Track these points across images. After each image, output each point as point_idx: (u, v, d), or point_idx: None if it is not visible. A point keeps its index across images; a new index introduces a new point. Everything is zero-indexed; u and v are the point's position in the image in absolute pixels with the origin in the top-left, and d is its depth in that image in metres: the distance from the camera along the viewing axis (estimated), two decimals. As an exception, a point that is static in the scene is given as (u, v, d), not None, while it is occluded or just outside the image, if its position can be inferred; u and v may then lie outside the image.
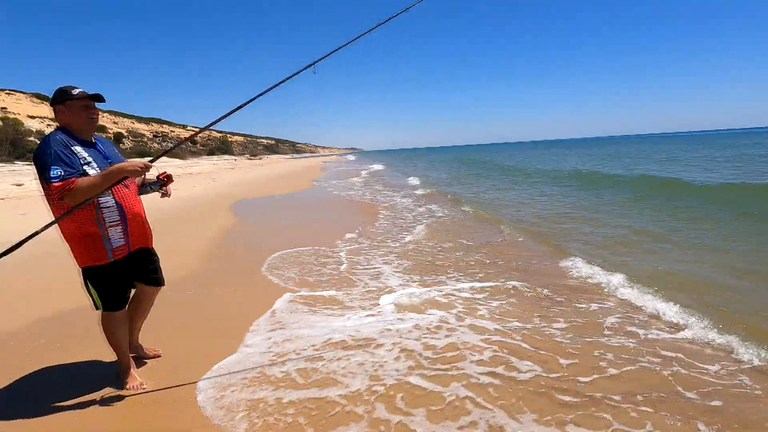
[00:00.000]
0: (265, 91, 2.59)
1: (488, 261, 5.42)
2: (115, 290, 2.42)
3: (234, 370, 2.84)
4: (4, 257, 2.03)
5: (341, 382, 2.66)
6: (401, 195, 13.92)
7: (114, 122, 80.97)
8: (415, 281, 4.64)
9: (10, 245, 2.10)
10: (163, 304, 3.18)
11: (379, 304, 3.95)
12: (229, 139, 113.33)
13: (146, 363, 2.96)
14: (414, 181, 19.87)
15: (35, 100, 71.01)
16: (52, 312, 3.98)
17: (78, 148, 2.22)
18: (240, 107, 2.53)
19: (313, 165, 42.06)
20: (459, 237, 6.90)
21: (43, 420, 2.36)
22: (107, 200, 2.26)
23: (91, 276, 2.37)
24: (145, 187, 2.51)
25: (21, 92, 68.56)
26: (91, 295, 2.43)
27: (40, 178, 2.16)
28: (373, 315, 3.71)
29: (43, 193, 2.21)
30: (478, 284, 4.50)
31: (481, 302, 3.98)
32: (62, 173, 2.09)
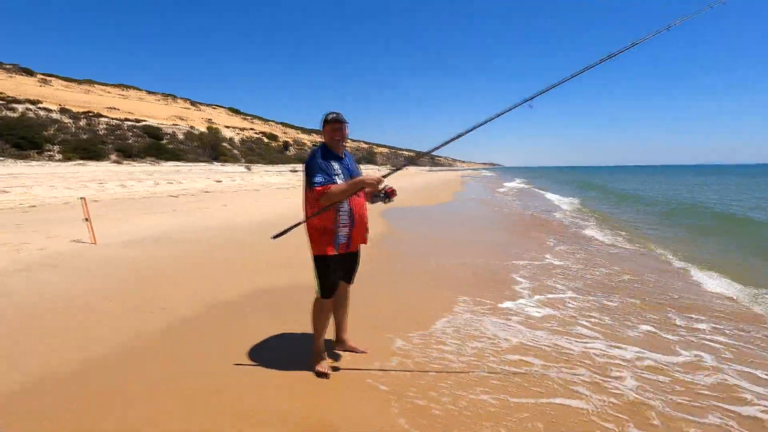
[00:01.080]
0: (483, 123, 2.82)
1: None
2: (330, 280, 2.90)
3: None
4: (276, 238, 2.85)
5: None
6: (553, 214, 12.77)
7: (284, 132, 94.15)
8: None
9: (278, 231, 2.83)
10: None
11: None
12: (375, 150, 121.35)
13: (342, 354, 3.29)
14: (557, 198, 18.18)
15: (230, 113, 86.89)
16: (266, 285, 4.68)
17: (333, 162, 2.82)
18: (459, 136, 2.83)
19: (452, 178, 42.06)
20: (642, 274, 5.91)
21: (233, 370, 2.75)
22: (344, 205, 2.81)
23: (319, 263, 2.88)
24: (374, 198, 2.92)
25: (221, 107, 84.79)
26: (315, 281, 2.92)
27: (306, 181, 2.76)
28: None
29: (304, 193, 2.83)
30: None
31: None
32: (323, 180, 2.71)
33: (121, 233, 7.71)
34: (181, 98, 77.42)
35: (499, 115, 2.83)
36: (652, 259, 6.89)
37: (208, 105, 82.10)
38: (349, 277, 3.14)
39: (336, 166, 2.82)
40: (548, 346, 3.43)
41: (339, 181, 2.76)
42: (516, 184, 37.86)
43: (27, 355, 3.14)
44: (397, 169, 3.20)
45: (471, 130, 2.83)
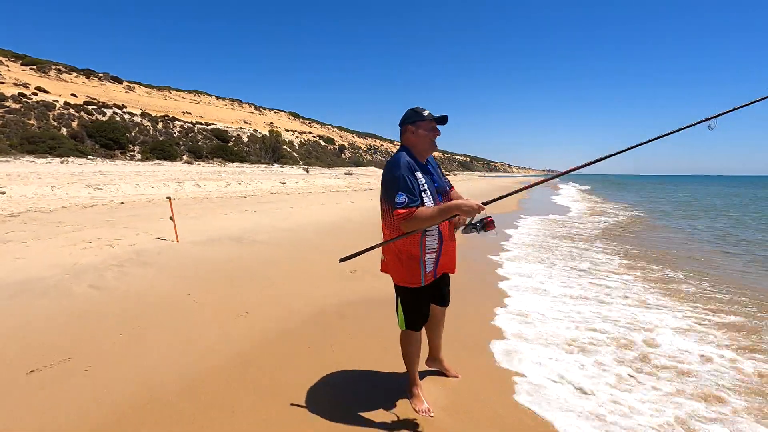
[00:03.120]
0: (658, 137, 2.42)
1: None
2: (418, 312, 2.47)
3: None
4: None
5: None
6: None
7: (340, 135, 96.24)
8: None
9: (353, 252, 2.32)
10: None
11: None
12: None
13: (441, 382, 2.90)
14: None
15: (290, 117, 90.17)
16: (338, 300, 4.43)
17: (419, 174, 2.27)
18: (628, 149, 2.46)
19: (508, 186, 40.36)
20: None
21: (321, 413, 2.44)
22: (432, 229, 2.32)
23: (403, 295, 2.43)
24: (468, 227, 2.32)
25: (282, 111, 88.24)
26: (397, 313, 2.50)
27: (385, 198, 2.26)
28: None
29: (382, 209, 2.32)
30: None
31: None
32: (406, 200, 2.16)
33: (201, 231, 7.91)
34: (247, 103, 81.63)
35: (677, 131, 2.40)
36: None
37: (270, 109, 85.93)
38: (442, 301, 2.68)
39: (422, 179, 2.28)
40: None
41: (427, 201, 2.24)
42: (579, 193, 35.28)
43: (137, 359, 3.09)
44: (503, 197, 2.46)
45: (637, 145, 2.40)
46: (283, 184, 22.23)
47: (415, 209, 2.17)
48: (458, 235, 2.51)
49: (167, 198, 7.82)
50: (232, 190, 17.97)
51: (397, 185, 2.18)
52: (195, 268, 5.48)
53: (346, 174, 44.91)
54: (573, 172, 2.48)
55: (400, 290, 2.44)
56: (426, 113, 2.33)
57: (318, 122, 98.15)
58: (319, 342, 3.42)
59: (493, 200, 2.34)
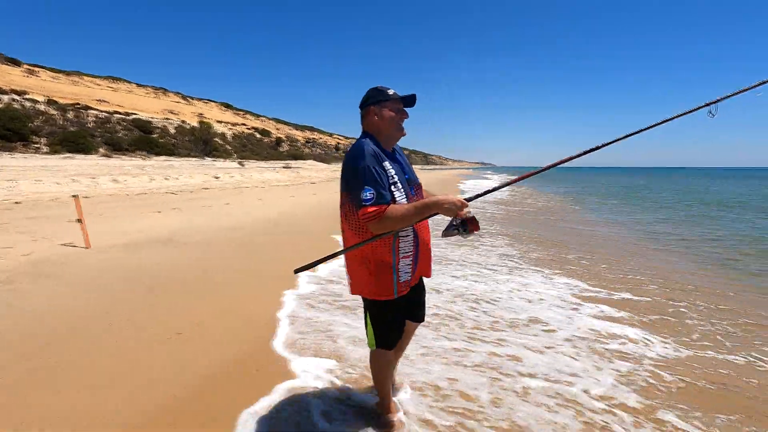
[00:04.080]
0: (649, 127, 2.17)
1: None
2: (390, 329, 2.09)
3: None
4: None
5: None
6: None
7: (276, 128, 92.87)
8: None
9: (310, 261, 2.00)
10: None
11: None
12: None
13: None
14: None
15: (222, 108, 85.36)
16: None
17: (387, 164, 1.91)
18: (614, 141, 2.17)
19: (449, 179, 41.24)
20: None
21: None
22: (407, 229, 1.95)
23: (372, 310, 2.05)
24: (450, 228, 1.96)
25: (213, 101, 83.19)
26: (366, 330, 2.12)
27: (347, 194, 1.91)
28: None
29: (343, 209, 1.96)
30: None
31: None
32: (374, 197, 1.80)
33: (120, 234, 6.81)
34: (173, 92, 75.83)
35: (673, 118, 2.14)
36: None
37: (199, 99, 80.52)
38: (418, 314, 2.27)
39: (391, 169, 1.91)
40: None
41: (398, 195, 1.88)
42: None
43: (30, 419, 2.29)
44: (488, 192, 2.12)
45: (633, 134, 2.13)
46: (217, 178, 20.65)
47: (386, 207, 1.80)
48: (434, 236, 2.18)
49: (73, 196, 6.58)
50: (159, 185, 16.23)
51: (362, 178, 1.80)
52: (112, 279, 4.56)
53: (284, 167, 43.25)
54: (559, 165, 2.14)
55: (368, 304, 2.04)
56: (391, 92, 1.97)
57: (252, 114, 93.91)
58: (268, 368, 2.83)
59: (477, 196, 2.06)
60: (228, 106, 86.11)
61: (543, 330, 3.62)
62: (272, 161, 56.01)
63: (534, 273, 5.53)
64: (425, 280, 2.29)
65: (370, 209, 1.79)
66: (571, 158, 2.18)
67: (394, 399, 2.39)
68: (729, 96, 2.18)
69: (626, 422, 2.37)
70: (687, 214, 13.24)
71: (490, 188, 2.14)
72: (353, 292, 2.05)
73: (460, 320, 3.76)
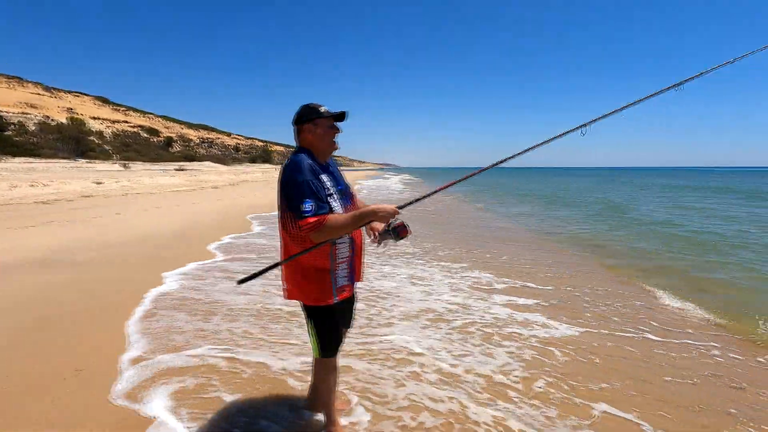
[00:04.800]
0: (538, 145, 2.39)
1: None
2: (333, 335, 2.16)
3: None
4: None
5: None
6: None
7: (166, 127, 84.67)
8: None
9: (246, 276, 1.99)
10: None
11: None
12: (271, 149, 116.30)
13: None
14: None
15: (98, 102, 75.22)
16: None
17: (324, 177, 2.03)
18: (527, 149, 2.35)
19: (354, 179, 41.61)
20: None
21: None
22: (344, 237, 2.07)
23: (316, 317, 2.10)
24: (384, 235, 2.11)
25: (86, 95, 72.77)
26: (311, 339, 2.16)
27: (287, 207, 1.98)
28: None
29: (282, 221, 2.02)
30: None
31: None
32: (314, 208, 1.90)
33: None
34: (31, 82, 64.62)
35: (549, 141, 2.43)
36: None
37: (68, 92, 69.76)
38: (349, 322, 2.36)
39: (327, 182, 2.04)
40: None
41: (335, 206, 2.00)
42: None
43: None
44: (420, 199, 2.30)
45: (531, 148, 2.38)
46: (100, 184, 18.10)
47: (326, 217, 1.92)
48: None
49: None
50: (24, 193, 13.65)
51: (301, 192, 1.91)
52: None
53: (178, 170, 39.65)
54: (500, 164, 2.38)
55: (311, 312, 2.11)
56: (323, 109, 2.11)
57: (136, 110, 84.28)
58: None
59: (409, 203, 2.19)
60: (105, 101, 76.13)
61: (442, 319, 3.98)
62: (163, 163, 50.82)
63: (435, 267, 5.95)
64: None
65: (311, 220, 1.88)
66: (489, 167, 2.42)
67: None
68: (598, 119, 2.45)
69: (517, 395, 2.70)
70: (586, 212, 15.03)
71: (421, 195, 2.31)
72: (289, 297, 2.12)
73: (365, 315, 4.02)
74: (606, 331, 3.78)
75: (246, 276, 2.03)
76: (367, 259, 6.25)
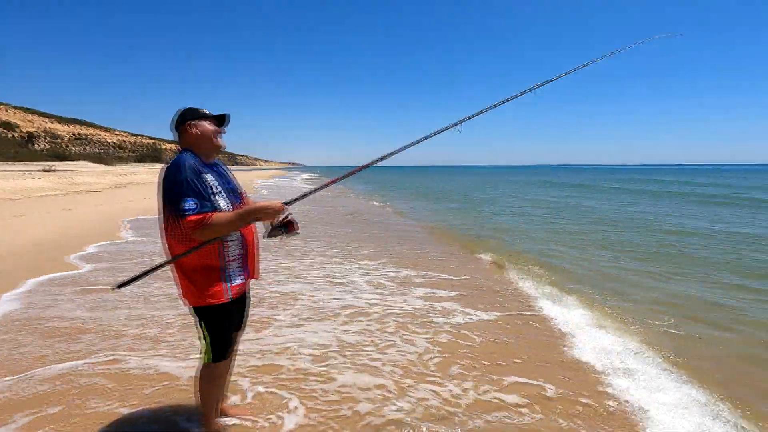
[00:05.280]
0: (413, 144, 2.57)
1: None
2: (227, 336, 2.13)
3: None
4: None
5: None
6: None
7: (28, 120, 72.40)
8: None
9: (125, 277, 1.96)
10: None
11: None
12: (162, 147, 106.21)
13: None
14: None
15: (-73, 88, 61.35)
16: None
17: (208, 176, 2.01)
18: (389, 155, 2.49)
19: (246, 182, 39.52)
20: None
21: None
22: (234, 234, 2.08)
23: (207, 318, 2.06)
24: (273, 231, 2.13)
25: None
26: (202, 343, 2.11)
27: (168, 207, 1.95)
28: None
29: (164, 221, 1.99)
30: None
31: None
32: (197, 206, 1.89)
33: None
34: None
35: (428, 137, 2.60)
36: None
37: None
38: (241, 323, 2.33)
39: (212, 180, 2.03)
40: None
41: (222, 204, 2.01)
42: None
43: None
44: (308, 194, 2.34)
45: (398, 150, 2.51)
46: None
47: (210, 214, 1.91)
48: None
49: None
50: None
51: (182, 190, 1.90)
52: None
53: (45, 171, 34.15)
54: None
55: (202, 312, 2.06)
56: (203, 111, 2.14)
57: (-17, 99, 70.62)
58: None
59: (296, 199, 2.22)
60: (-62, 87, 62.05)
61: (362, 313, 4.15)
62: (24, 163, 43.26)
63: (349, 264, 6.10)
64: (252, 284, 2.35)
65: (193, 218, 1.87)
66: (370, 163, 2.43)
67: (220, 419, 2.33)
68: (471, 117, 2.59)
69: (438, 377, 2.94)
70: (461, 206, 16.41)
71: (307, 191, 2.32)
72: (184, 297, 2.07)
73: (292, 309, 4.17)
74: (515, 313, 4.23)
75: (126, 279, 1.93)
76: (281, 260, 6.25)
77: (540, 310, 4.36)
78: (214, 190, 2.00)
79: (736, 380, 3.04)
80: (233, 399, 2.61)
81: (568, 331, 3.84)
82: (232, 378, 2.59)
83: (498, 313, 4.21)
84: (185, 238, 1.95)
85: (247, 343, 3.27)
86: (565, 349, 3.45)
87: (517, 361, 3.20)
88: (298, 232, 2.13)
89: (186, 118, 2.11)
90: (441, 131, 2.57)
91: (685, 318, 4.21)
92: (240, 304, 2.24)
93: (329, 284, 5.14)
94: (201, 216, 1.88)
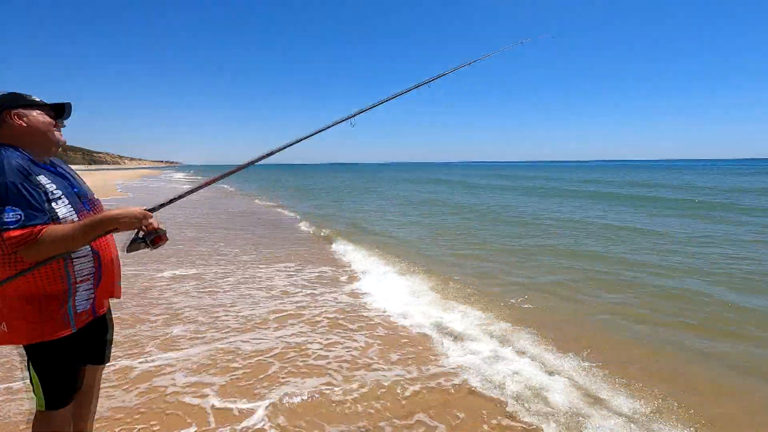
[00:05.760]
0: (307, 137, 2.27)
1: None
2: (65, 377, 1.71)
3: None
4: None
5: None
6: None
7: None
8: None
9: None
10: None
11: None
12: None
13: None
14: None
15: None
16: None
17: (42, 178, 1.59)
18: (272, 153, 2.15)
19: (104, 185, 27.33)
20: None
21: None
22: (83, 249, 1.65)
23: (38, 357, 1.64)
24: (134, 243, 1.73)
25: None
26: (33, 386, 1.69)
27: None
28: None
29: None
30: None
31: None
32: (21, 217, 1.47)
33: None
34: None
35: (320, 131, 2.34)
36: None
37: None
38: (102, 356, 1.92)
39: (49, 184, 1.60)
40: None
41: (65, 211, 1.60)
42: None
43: None
44: (174, 200, 1.90)
45: (288, 145, 2.21)
46: None
47: (42, 227, 1.49)
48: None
49: None
50: None
51: (3, 197, 1.46)
52: None
53: None
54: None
55: (32, 350, 1.64)
56: (32, 98, 1.70)
57: None
58: None
59: (161, 205, 1.82)
60: None
61: (291, 316, 4.29)
62: None
63: (253, 267, 6.21)
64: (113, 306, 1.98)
65: (16, 233, 1.45)
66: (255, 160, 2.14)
67: None
68: (364, 110, 2.49)
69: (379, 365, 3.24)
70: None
71: (176, 196, 1.91)
72: (7, 340, 1.59)
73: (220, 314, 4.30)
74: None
75: None
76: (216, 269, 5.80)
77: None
78: (52, 195, 1.58)
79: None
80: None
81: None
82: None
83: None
84: (11, 257, 1.51)
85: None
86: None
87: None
88: (164, 242, 1.75)
89: (7, 104, 1.63)
90: (334, 124, 2.34)
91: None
92: (94, 332, 1.84)
93: (256, 290, 4.97)
94: (26, 230, 1.46)
